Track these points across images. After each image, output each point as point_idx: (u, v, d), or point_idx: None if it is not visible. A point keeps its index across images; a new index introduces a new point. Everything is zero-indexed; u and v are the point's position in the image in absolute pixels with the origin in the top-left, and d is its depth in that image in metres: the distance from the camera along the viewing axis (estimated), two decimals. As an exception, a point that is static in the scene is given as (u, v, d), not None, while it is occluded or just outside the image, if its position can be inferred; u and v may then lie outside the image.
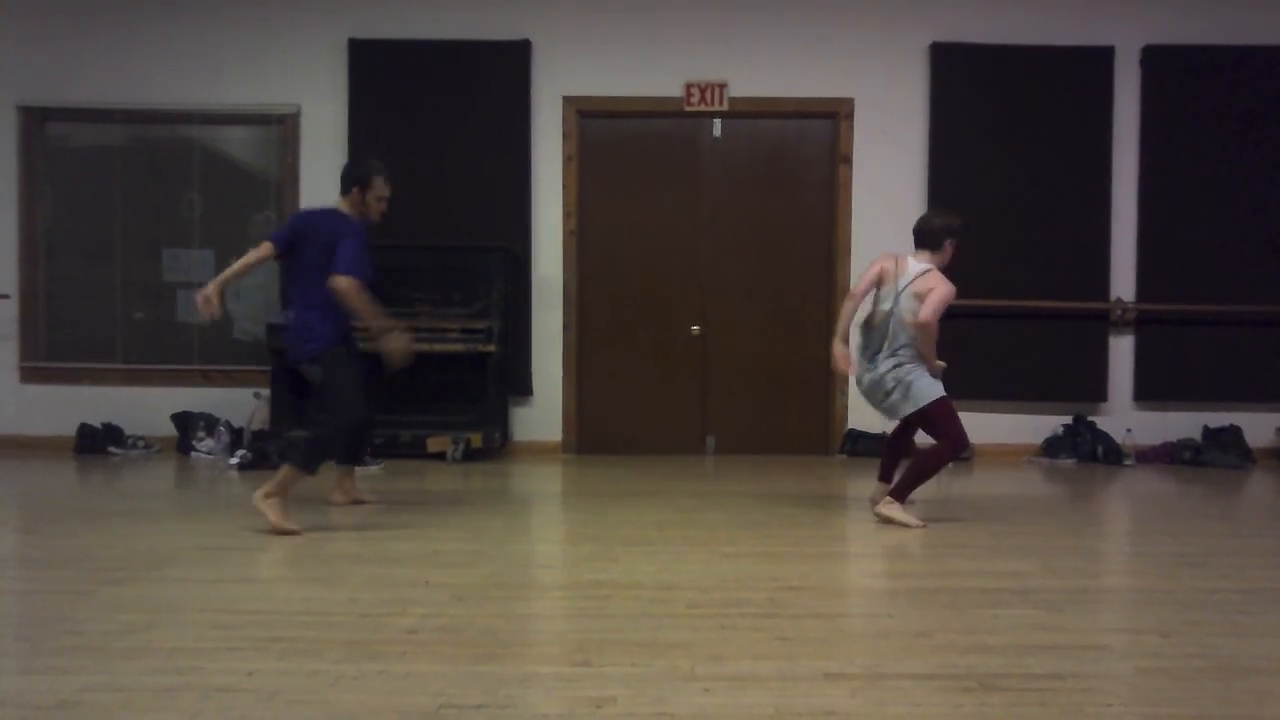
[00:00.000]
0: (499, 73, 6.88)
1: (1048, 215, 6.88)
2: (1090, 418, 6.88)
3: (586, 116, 7.02)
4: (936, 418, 4.35)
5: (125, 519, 4.27)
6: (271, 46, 6.96)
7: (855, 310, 4.51)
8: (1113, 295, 6.94)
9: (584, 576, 3.32)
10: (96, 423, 6.80)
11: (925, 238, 4.51)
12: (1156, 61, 6.90)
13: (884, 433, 6.84)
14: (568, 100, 6.96)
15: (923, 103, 6.94)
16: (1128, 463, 6.63)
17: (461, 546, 3.79)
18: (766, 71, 6.93)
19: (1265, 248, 6.88)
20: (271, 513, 3.97)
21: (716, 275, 7.09)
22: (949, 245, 4.51)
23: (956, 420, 4.36)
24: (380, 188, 4.36)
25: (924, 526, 4.25)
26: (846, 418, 6.98)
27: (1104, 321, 6.95)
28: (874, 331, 4.49)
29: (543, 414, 7.01)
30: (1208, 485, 5.77)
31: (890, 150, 6.94)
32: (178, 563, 3.41)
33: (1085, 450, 6.74)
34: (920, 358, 4.40)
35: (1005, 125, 6.88)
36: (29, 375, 7.03)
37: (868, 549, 3.97)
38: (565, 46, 6.94)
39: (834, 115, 7.01)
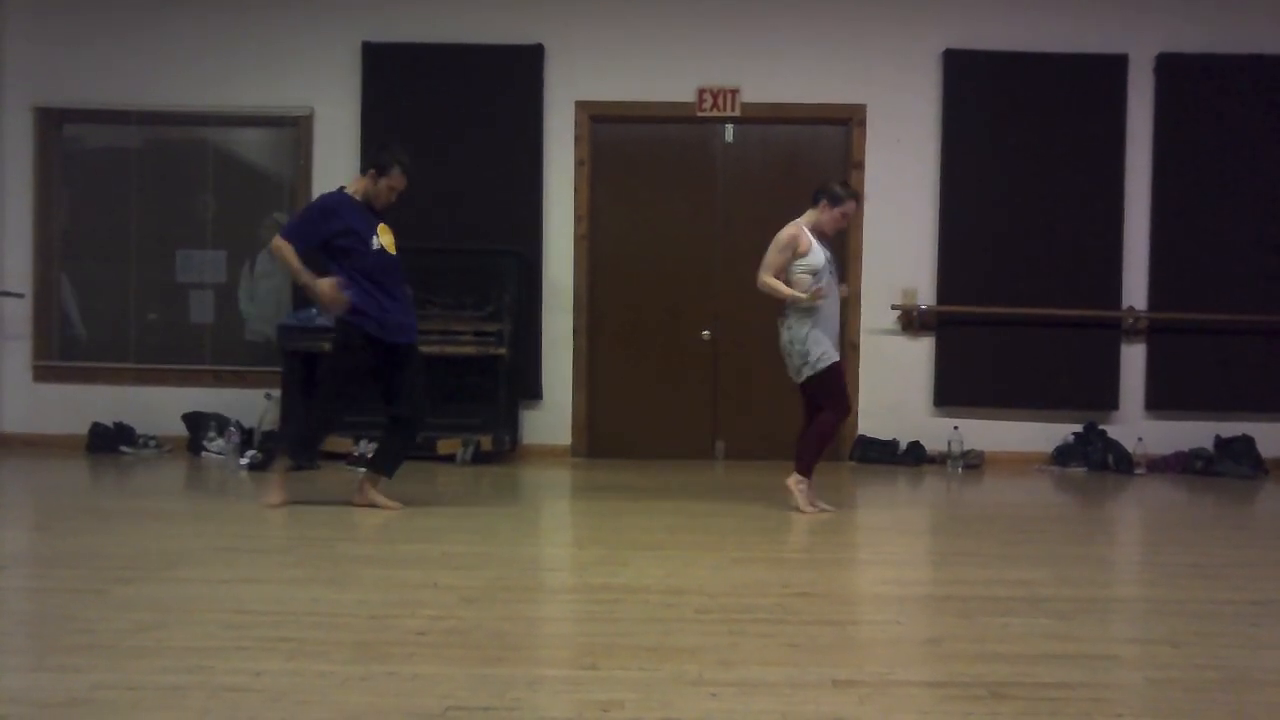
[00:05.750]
0: (512, 77, 6.89)
1: (1060, 223, 6.86)
2: (1101, 426, 6.84)
3: (599, 121, 7.03)
4: (828, 381, 4.61)
5: (136, 518, 4.29)
6: (286, 49, 6.99)
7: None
8: (1125, 304, 6.91)
9: (592, 580, 3.32)
10: (109, 422, 6.82)
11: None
12: (1170, 70, 6.88)
13: (894, 439, 6.84)
14: (580, 105, 6.97)
15: (935, 109, 6.92)
16: (1139, 472, 6.59)
17: (470, 549, 3.79)
18: (779, 77, 6.92)
19: (1278, 257, 6.84)
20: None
21: (727, 280, 7.07)
22: (824, 204, 4.67)
23: (844, 383, 4.74)
24: (396, 178, 4.41)
25: (813, 510, 4.57)
26: (857, 424, 6.96)
27: (1116, 330, 6.92)
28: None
29: (552, 417, 7.00)
30: (1219, 495, 5.74)
31: (903, 157, 6.92)
32: (188, 562, 3.42)
33: (1096, 459, 6.70)
34: (803, 318, 4.59)
35: (1018, 132, 6.86)
36: (42, 374, 7.07)
37: (878, 556, 3.97)
38: (578, 51, 6.95)
39: (847, 121, 7.00)
